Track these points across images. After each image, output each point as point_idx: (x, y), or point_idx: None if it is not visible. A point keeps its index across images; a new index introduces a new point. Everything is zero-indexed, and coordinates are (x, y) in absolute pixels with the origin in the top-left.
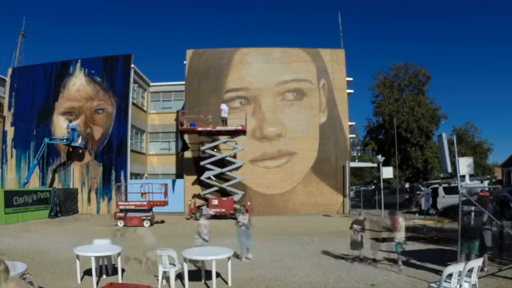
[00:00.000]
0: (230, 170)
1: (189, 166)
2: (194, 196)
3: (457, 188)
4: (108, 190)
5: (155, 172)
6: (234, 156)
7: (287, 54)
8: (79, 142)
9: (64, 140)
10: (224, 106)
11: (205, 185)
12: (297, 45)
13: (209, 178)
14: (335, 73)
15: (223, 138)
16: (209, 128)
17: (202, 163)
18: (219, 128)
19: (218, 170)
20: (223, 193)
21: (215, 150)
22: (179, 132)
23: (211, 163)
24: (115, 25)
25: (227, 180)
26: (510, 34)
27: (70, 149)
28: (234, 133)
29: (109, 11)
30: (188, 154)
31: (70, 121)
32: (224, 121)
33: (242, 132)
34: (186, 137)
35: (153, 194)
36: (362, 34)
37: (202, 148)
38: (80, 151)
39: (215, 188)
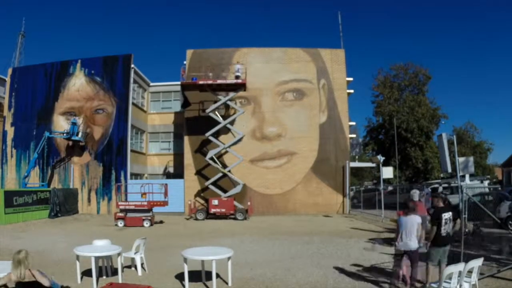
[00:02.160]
0: (232, 144)
1: (193, 143)
2: (195, 196)
3: (457, 188)
4: (108, 190)
5: (155, 172)
6: (232, 123)
7: (287, 54)
8: (79, 136)
9: (64, 134)
10: (239, 66)
11: (206, 177)
12: (297, 45)
13: (212, 159)
14: (335, 73)
15: (223, 99)
16: (210, 82)
17: (206, 134)
18: (219, 81)
19: (221, 147)
20: (223, 188)
21: (217, 114)
22: (181, 86)
23: (213, 136)
24: (115, 25)
25: (225, 181)
26: (510, 33)
27: (70, 144)
28: (234, 87)
29: (109, 11)
30: (190, 130)
31: (76, 116)
32: (239, 78)
33: (242, 85)
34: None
35: (153, 194)
36: (362, 34)
37: (208, 110)
38: (81, 144)
39: (218, 176)
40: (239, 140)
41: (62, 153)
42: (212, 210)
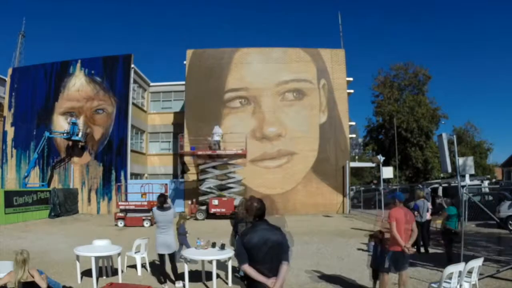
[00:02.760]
0: (229, 184)
1: (189, 189)
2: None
3: (457, 188)
4: (108, 190)
5: (155, 172)
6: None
7: (287, 54)
8: (79, 136)
9: (65, 134)
10: (217, 129)
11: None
12: (297, 45)
13: (209, 187)
14: (335, 73)
15: (223, 164)
16: (209, 152)
17: (201, 177)
18: (219, 152)
19: (217, 182)
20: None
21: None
22: (179, 155)
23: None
24: (115, 25)
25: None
26: (509, 33)
27: (70, 144)
28: (234, 157)
29: (109, 11)
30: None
31: (76, 117)
32: (217, 145)
33: (243, 155)
34: (186, 158)
35: (153, 194)
36: (362, 34)
37: (201, 167)
38: (80, 145)
39: (213, 195)
40: (238, 181)
41: (62, 153)
42: (212, 210)
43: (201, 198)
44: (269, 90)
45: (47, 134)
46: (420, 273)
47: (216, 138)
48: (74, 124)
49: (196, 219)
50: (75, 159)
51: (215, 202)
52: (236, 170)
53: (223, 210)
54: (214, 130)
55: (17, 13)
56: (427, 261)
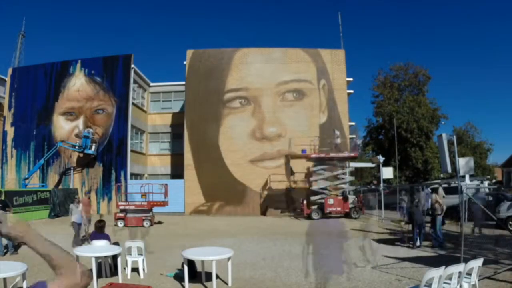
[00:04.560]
0: (341, 185)
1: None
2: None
3: (457, 189)
4: (108, 191)
5: (155, 172)
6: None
7: (287, 54)
8: (92, 149)
9: (77, 147)
10: (337, 133)
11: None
12: (297, 45)
13: (323, 188)
14: (335, 73)
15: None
16: (322, 155)
17: (312, 178)
18: (332, 154)
19: (328, 183)
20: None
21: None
22: (285, 156)
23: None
24: (115, 25)
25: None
26: (509, 34)
27: (81, 155)
28: (344, 159)
29: (109, 12)
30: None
31: (90, 127)
32: (336, 147)
33: (354, 158)
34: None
35: (153, 194)
36: (362, 34)
37: (314, 168)
38: (92, 157)
39: (324, 196)
40: (349, 182)
41: (62, 153)
42: (328, 209)
43: (313, 198)
44: (269, 90)
45: (59, 144)
46: (420, 274)
47: (337, 141)
48: (86, 137)
49: (312, 218)
50: (75, 159)
51: (331, 201)
52: (347, 171)
53: (339, 209)
54: (336, 133)
55: (17, 13)
56: (428, 261)
